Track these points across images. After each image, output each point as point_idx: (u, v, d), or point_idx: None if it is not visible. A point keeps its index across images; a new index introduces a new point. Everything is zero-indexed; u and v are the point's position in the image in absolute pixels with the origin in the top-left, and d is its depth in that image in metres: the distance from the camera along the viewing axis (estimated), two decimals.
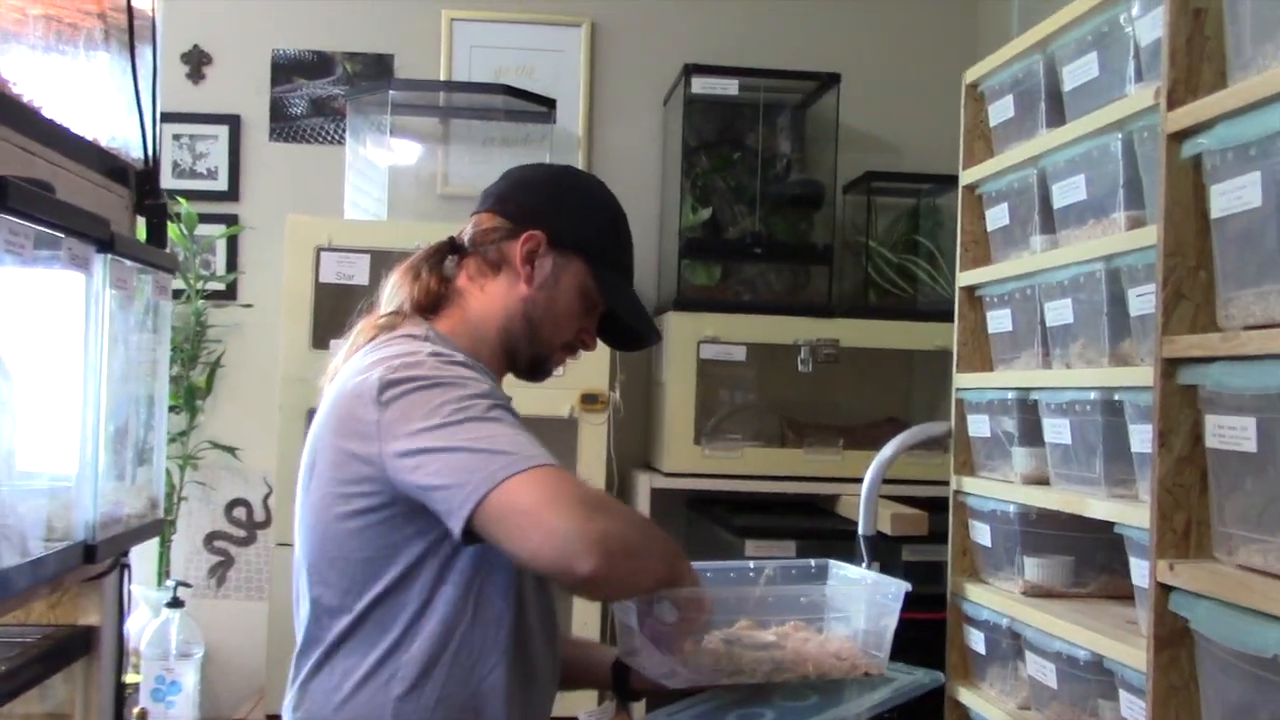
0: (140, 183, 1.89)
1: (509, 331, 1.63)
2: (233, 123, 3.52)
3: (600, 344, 1.73)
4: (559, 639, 1.69)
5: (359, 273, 3.03)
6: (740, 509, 3.10)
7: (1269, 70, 1.43)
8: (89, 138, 1.71)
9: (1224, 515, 1.52)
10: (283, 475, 3.00)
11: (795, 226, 3.40)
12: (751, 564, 1.84)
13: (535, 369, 1.68)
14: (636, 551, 1.40)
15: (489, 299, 1.64)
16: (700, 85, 3.27)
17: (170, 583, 3.14)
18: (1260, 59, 1.47)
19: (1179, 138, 1.58)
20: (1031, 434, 2.21)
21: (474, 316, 1.64)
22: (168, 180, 3.42)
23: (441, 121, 3.59)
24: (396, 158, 3.47)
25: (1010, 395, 2.27)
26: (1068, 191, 2.10)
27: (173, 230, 3.22)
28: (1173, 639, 1.57)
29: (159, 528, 1.98)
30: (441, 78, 3.55)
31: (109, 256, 1.52)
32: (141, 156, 1.90)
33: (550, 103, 3.38)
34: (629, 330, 1.73)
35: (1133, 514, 1.79)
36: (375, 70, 3.55)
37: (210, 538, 3.48)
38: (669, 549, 1.49)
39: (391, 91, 3.35)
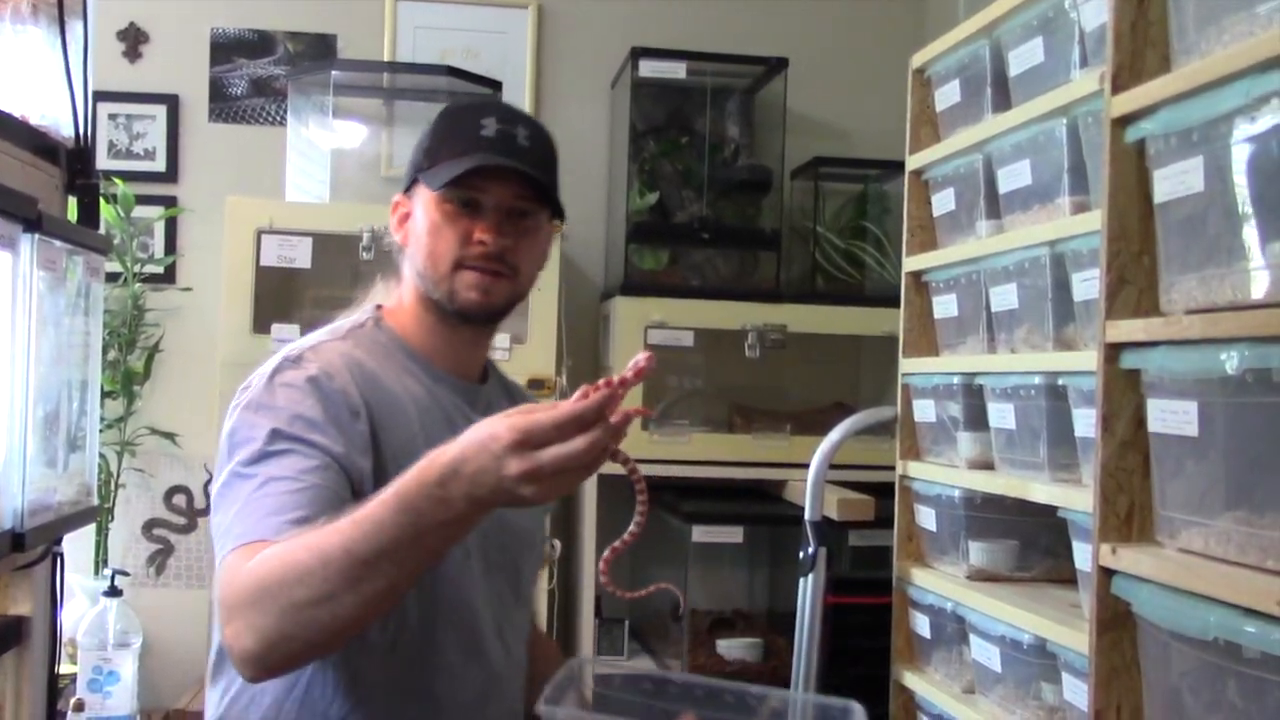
0: (71, 162, 1.84)
1: (416, 290, 1.56)
2: (171, 102, 3.45)
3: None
4: (506, 646, 1.58)
5: (301, 256, 2.99)
6: (688, 495, 3.09)
7: (1211, 55, 1.43)
8: (17, 115, 1.66)
9: (1166, 499, 1.53)
10: None
11: (743, 211, 3.39)
12: (753, 689, 1.46)
13: (458, 305, 1.52)
14: (292, 625, 1.16)
15: (404, 274, 1.61)
16: (648, 69, 3.25)
17: (108, 571, 3.08)
18: (1203, 44, 1.48)
19: (1123, 123, 1.58)
20: (977, 419, 2.22)
21: (402, 293, 1.61)
22: (104, 161, 3.35)
23: (385, 103, 3.53)
24: (339, 139, 3.42)
25: (956, 380, 2.28)
26: (1013, 177, 2.11)
27: (108, 211, 3.15)
28: (1115, 622, 1.58)
29: (93, 515, 1.94)
30: (385, 59, 3.50)
31: (36, 236, 1.48)
32: (73, 135, 1.85)
33: (496, 85, 3.34)
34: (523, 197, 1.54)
35: (1076, 498, 1.80)
36: (317, 50, 3.50)
37: (149, 525, 3.42)
38: (344, 573, 1.15)
39: (334, 72, 3.29)
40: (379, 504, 1.14)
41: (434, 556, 1.20)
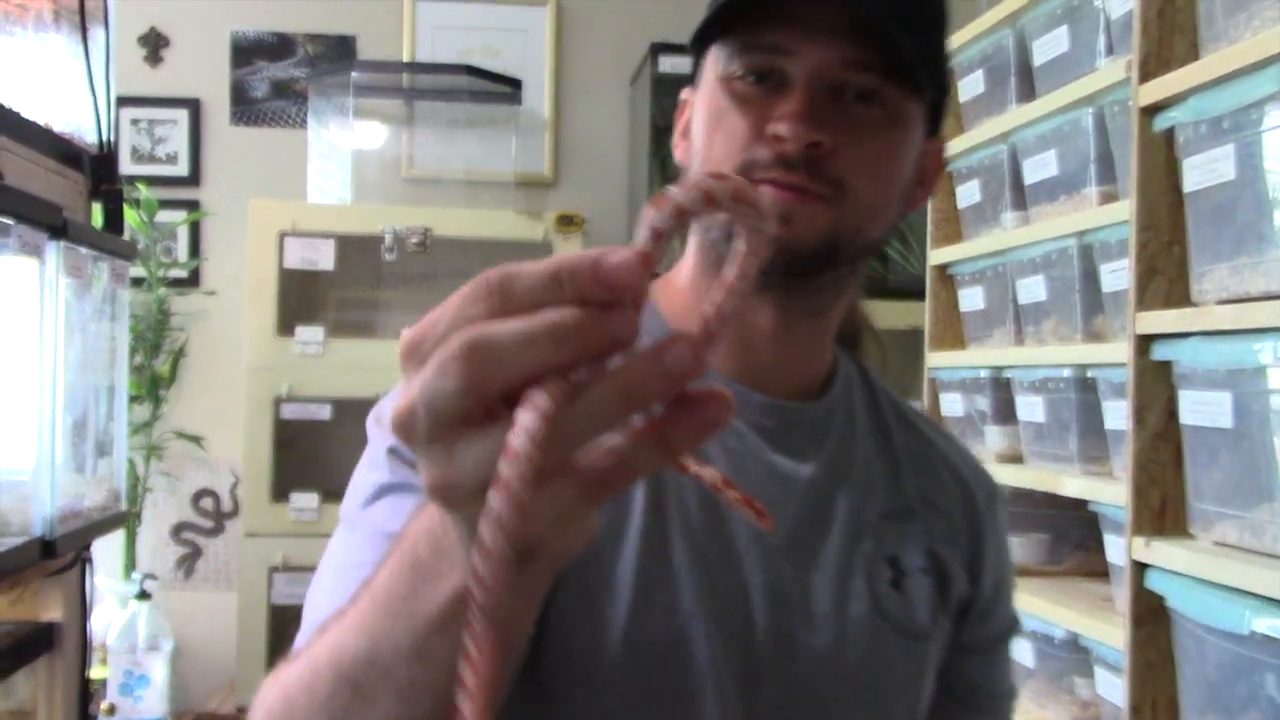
0: (96, 168, 1.85)
1: (696, 239, 0.96)
2: (192, 106, 3.46)
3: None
4: None
5: (324, 258, 2.99)
6: None
7: (1241, 41, 1.41)
8: (40, 122, 1.66)
9: (1200, 491, 1.51)
10: (250, 464, 2.96)
11: None
12: None
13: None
14: None
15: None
16: (667, 64, 3.25)
17: (137, 575, 3.10)
18: (1232, 30, 1.46)
19: (1151, 111, 1.56)
20: (1005, 412, 2.20)
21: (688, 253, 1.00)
22: (127, 166, 3.37)
23: (405, 103, 3.54)
24: (360, 141, 3.43)
25: (983, 373, 2.26)
26: (1039, 167, 2.09)
27: (132, 217, 3.16)
28: (1149, 616, 1.56)
29: (122, 520, 1.94)
30: (405, 59, 3.50)
31: (62, 243, 1.48)
32: (96, 141, 1.85)
33: (516, 83, 3.34)
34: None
35: (1107, 491, 1.78)
36: (337, 52, 3.50)
37: (177, 529, 3.44)
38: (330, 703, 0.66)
39: (354, 73, 3.30)
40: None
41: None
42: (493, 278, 0.45)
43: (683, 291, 0.94)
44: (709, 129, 0.89)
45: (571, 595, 0.82)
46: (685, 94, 0.98)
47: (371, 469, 0.84)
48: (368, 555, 0.76)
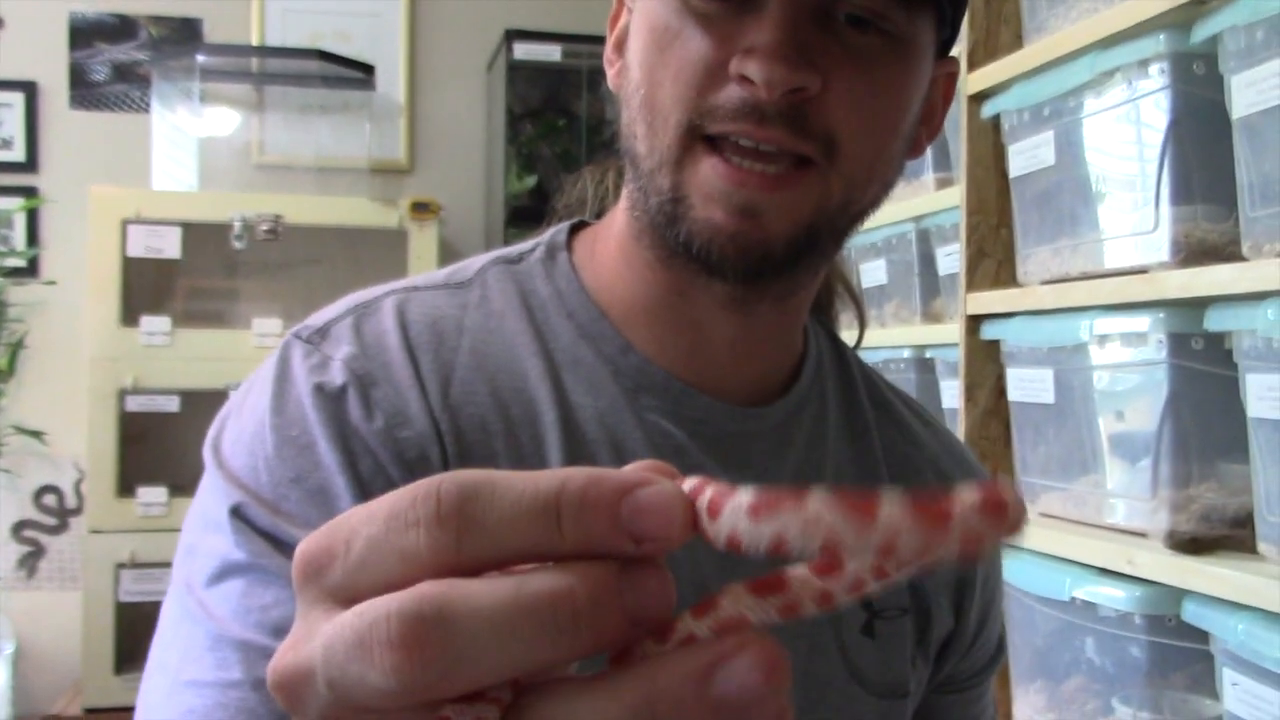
0: None
1: (628, 194, 0.74)
2: (28, 89, 3.32)
3: None
4: None
5: (170, 246, 2.91)
6: None
7: (1061, 31, 1.47)
8: None
9: (1027, 465, 1.57)
10: (94, 459, 2.87)
11: None
12: None
13: (687, 235, 0.67)
14: None
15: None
16: (522, 51, 3.24)
17: None
18: (1053, 21, 1.51)
19: (979, 99, 1.62)
20: None
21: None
22: None
23: (255, 88, 3.45)
24: (208, 126, 3.34)
25: (858, 350, 2.31)
26: None
27: None
28: None
29: None
30: (253, 42, 3.42)
31: None
32: None
33: (369, 69, 3.29)
34: None
35: None
36: (182, 34, 3.40)
37: (18, 527, 3.31)
38: None
39: (200, 57, 3.21)
40: None
41: None
42: (449, 489, 0.28)
43: (612, 255, 0.74)
44: (651, 54, 0.67)
45: None
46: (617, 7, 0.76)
47: (211, 528, 0.64)
48: (208, 668, 0.60)
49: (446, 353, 0.69)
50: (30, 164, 3.33)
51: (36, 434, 3.23)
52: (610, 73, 0.75)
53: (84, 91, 3.37)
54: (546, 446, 0.69)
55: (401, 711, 0.29)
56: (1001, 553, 0.89)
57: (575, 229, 0.80)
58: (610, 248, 0.74)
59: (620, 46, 0.73)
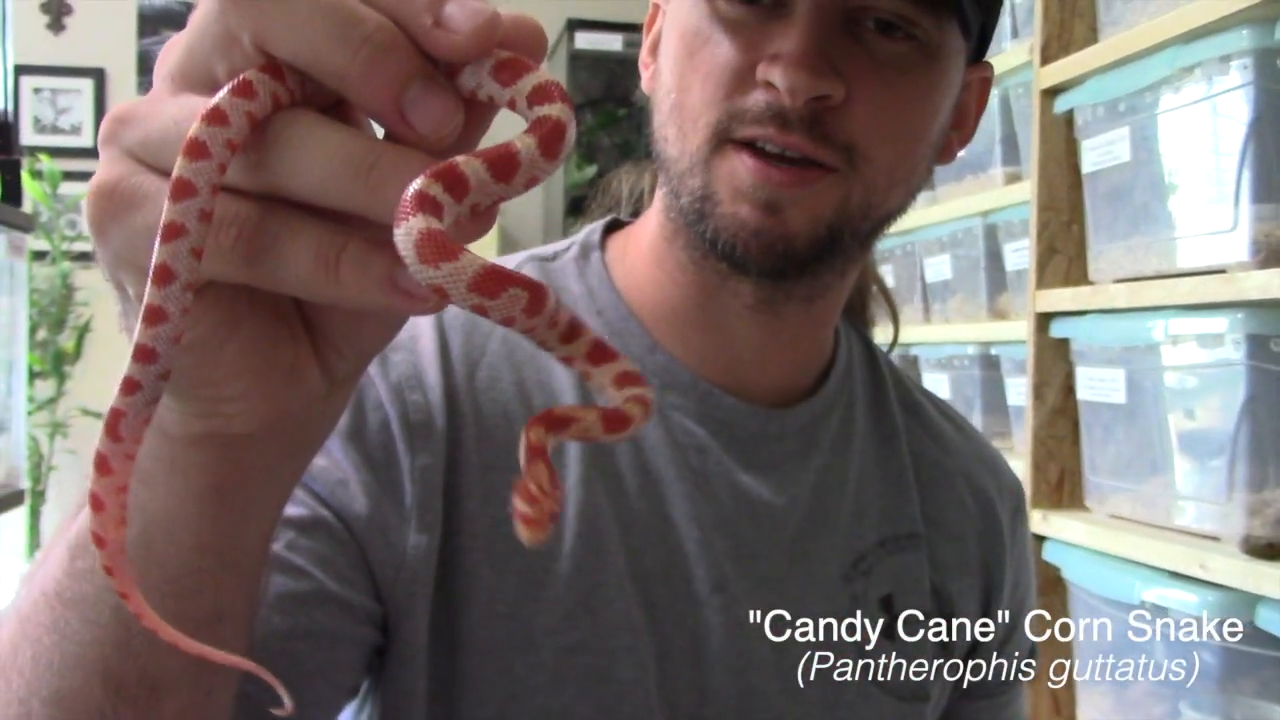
0: None
1: (662, 197, 0.74)
2: (97, 76, 3.38)
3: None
4: None
5: None
6: None
7: (1137, 26, 1.44)
8: None
9: (1095, 465, 1.55)
10: None
11: None
12: None
13: (713, 231, 0.68)
14: None
15: None
16: (584, 41, 3.24)
17: (40, 555, 3.04)
18: (1129, 15, 1.49)
19: (1051, 94, 1.60)
20: None
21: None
22: (29, 136, 3.27)
23: None
24: None
25: (892, 352, 2.29)
26: None
27: (34, 188, 3.08)
28: (1046, 588, 1.60)
29: (21, 498, 1.90)
30: None
31: None
32: None
33: None
34: None
35: (1011, 467, 1.82)
36: None
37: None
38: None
39: None
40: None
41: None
42: None
43: (644, 255, 0.75)
44: (682, 59, 0.68)
45: (478, 656, 0.67)
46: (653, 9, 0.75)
47: None
48: None
49: (479, 338, 0.71)
50: (98, 150, 3.38)
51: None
52: (645, 75, 0.76)
53: (151, 78, 3.41)
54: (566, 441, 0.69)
55: (211, 81, 0.34)
56: (1028, 549, 0.88)
57: (611, 228, 0.81)
58: (642, 248, 0.76)
59: (654, 50, 0.74)
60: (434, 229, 0.31)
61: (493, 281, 0.32)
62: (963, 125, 0.75)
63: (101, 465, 0.35)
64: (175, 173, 0.33)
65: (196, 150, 0.33)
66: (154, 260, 0.33)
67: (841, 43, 0.65)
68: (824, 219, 0.67)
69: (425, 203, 0.32)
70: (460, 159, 0.33)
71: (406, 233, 0.31)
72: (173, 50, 0.37)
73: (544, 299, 0.34)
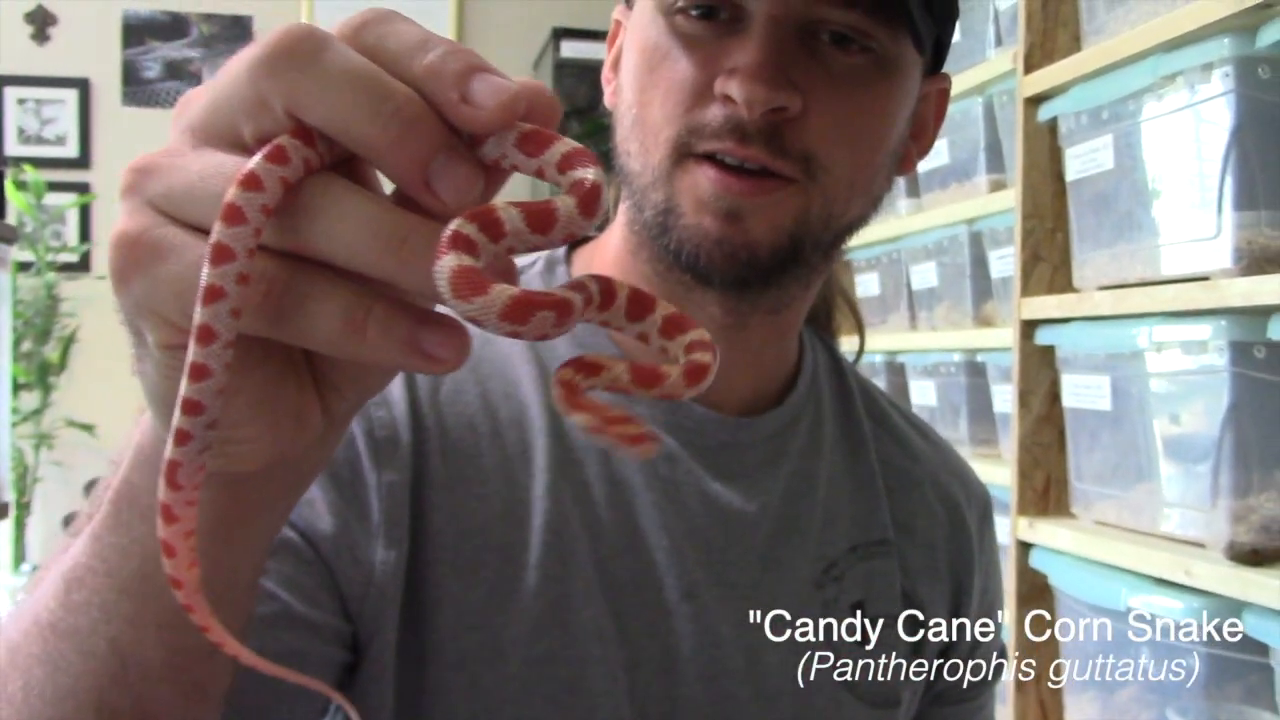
0: None
1: (625, 211, 0.75)
2: (82, 86, 3.37)
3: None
4: None
5: None
6: None
7: (1120, 35, 1.45)
8: None
9: (1081, 472, 1.56)
10: None
11: None
12: None
13: (677, 243, 0.69)
14: None
15: None
16: (570, 49, 3.25)
17: (27, 567, 3.02)
18: (1112, 23, 1.50)
19: (1035, 102, 1.60)
20: (899, 397, 2.24)
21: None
22: (12, 147, 3.26)
23: None
24: None
25: (878, 359, 2.29)
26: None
27: (18, 199, 3.07)
28: (1033, 595, 1.60)
29: (6, 511, 1.89)
30: None
31: None
32: None
33: None
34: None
35: (997, 474, 1.82)
36: (233, 32, 3.43)
37: (69, 519, 3.35)
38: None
39: None
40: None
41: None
42: (297, 30, 0.37)
43: (609, 268, 0.75)
44: (642, 74, 0.69)
45: (447, 669, 0.66)
46: (618, 12, 0.76)
47: None
48: None
49: None
50: (83, 160, 3.37)
51: (88, 427, 3.27)
52: (607, 91, 0.77)
53: (136, 89, 3.40)
54: (533, 450, 0.70)
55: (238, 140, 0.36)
56: (995, 552, 0.89)
57: (576, 243, 0.81)
58: (607, 261, 0.76)
59: (616, 66, 0.75)
60: (465, 265, 0.34)
61: (521, 309, 0.35)
62: (921, 136, 0.77)
63: (167, 514, 0.38)
64: (213, 238, 0.34)
65: (234, 216, 0.34)
66: (196, 321, 0.35)
67: (798, 56, 0.66)
68: (785, 228, 0.68)
69: (459, 241, 0.35)
70: (498, 204, 0.37)
71: (441, 270, 0.34)
72: (193, 103, 0.38)
73: (570, 313, 0.37)
